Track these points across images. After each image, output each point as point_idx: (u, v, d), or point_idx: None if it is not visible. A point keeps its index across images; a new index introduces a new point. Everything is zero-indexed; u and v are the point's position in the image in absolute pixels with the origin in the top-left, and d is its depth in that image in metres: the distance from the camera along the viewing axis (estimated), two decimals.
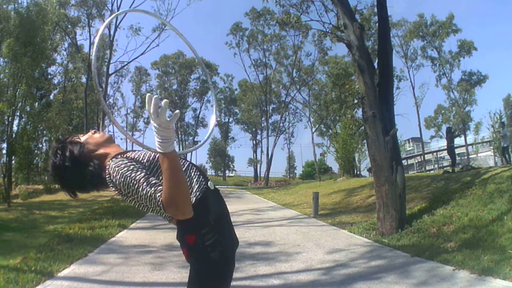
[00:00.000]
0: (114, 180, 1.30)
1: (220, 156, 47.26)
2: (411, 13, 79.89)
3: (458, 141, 28.76)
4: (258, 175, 41.78)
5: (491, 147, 23.97)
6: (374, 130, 6.90)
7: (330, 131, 32.05)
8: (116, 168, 1.30)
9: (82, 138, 1.48)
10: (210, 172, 46.89)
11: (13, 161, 14.87)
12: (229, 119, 45.37)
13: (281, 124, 37.87)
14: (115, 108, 40.21)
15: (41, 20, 14.20)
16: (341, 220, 8.69)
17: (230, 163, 49.02)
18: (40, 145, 18.75)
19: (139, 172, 1.28)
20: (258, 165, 43.68)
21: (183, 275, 4.17)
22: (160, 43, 45.28)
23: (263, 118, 38.72)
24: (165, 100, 1.12)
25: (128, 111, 42.53)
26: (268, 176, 33.81)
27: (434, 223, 6.21)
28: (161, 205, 1.21)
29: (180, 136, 42.73)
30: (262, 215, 10.63)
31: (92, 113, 27.49)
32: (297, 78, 34.28)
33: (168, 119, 1.13)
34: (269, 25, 31.96)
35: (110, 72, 26.38)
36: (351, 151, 22.20)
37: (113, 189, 1.34)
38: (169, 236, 6.54)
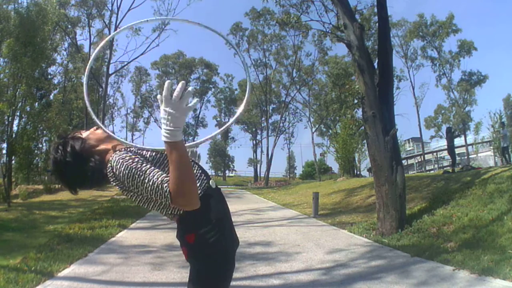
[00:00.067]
0: (117, 172, 1.28)
1: (220, 156, 47.33)
2: (411, 13, 79.83)
3: (458, 141, 28.77)
4: (258, 175, 41.78)
5: (491, 147, 23.93)
6: (374, 130, 6.90)
7: (330, 131, 32.08)
8: (121, 160, 1.28)
9: (84, 134, 1.48)
10: (210, 172, 46.83)
11: (13, 161, 14.86)
12: (229, 119, 45.38)
13: (281, 124, 37.96)
14: (115, 108, 40.29)
15: (41, 20, 14.17)
16: (341, 220, 8.69)
17: (230, 163, 49.12)
18: (40, 145, 18.71)
19: (144, 164, 1.27)
20: (258, 165, 43.76)
21: (183, 275, 4.17)
22: (160, 43, 45.25)
23: (263, 118, 38.76)
24: (190, 87, 1.15)
25: (128, 111, 42.61)
26: (268, 176, 33.83)
27: (434, 223, 6.21)
28: (168, 196, 1.19)
29: None
30: (262, 215, 10.63)
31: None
32: (297, 78, 34.32)
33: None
34: (269, 25, 32.08)
35: (110, 72, 26.40)
36: (351, 151, 22.21)
37: (115, 183, 1.32)
38: (169, 236, 6.54)
